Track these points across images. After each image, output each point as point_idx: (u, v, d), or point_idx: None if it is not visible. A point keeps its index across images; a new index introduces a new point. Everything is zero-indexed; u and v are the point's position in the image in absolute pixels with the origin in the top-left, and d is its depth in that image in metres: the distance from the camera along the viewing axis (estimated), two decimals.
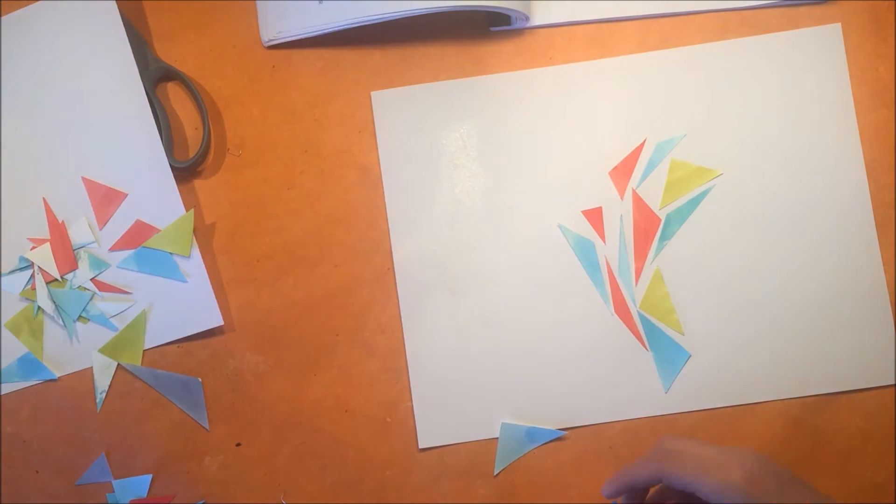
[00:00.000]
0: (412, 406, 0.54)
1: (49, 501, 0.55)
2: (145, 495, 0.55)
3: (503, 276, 0.55)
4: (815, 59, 0.55)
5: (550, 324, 0.54)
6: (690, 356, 0.54)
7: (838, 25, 0.55)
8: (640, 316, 0.54)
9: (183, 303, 0.55)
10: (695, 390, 0.54)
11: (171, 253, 0.55)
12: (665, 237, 0.55)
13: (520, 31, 0.56)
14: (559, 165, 0.55)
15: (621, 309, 0.54)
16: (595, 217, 0.55)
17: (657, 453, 0.45)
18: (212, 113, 0.56)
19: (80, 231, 0.55)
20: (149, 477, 0.55)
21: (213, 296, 0.54)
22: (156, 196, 0.55)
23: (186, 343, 0.55)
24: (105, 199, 0.55)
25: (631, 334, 0.54)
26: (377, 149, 0.56)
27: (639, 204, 0.55)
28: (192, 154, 0.56)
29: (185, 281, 0.55)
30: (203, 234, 0.56)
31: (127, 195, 0.55)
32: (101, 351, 0.55)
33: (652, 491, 0.48)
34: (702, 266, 0.54)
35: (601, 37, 0.56)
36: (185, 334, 0.55)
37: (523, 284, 0.55)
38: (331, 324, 0.55)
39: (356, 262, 0.55)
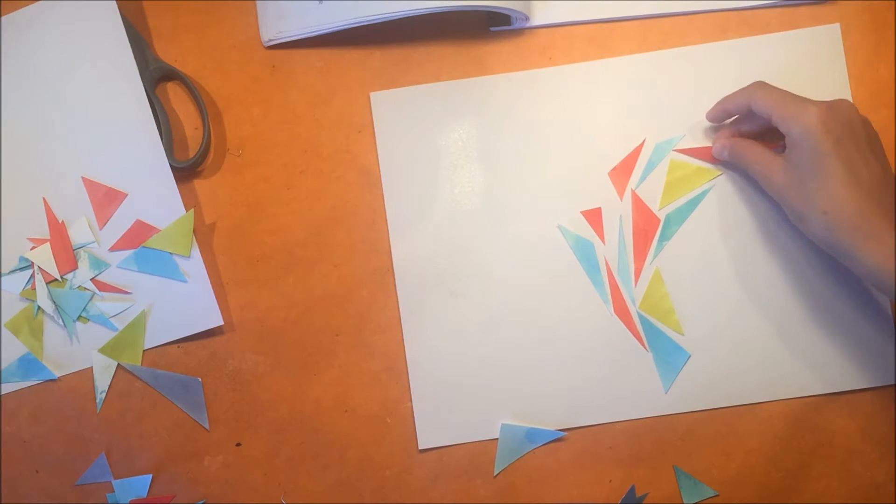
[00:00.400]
0: (412, 406, 0.54)
1: (49, 501, 0.55)
2: (145, 495, 0.55)
3: (503, 277, 0.55)
4: (815, 59, 0.55)
5: (550, 324, 0.54)
6: (690, 356, 0.54)
7: (837, 25, 0.55)
8: (640, 316, 0.54)
9: (183, 303, 0.55)
10: (695, 390, 0.54)
11: (171, 253, 0.55)
12: (664, 237, 0.55)
13: (520, 31, 0.56)
14: (559, 166, 0.55)
15: (621, 309, 0.54)
16: (594, 217, 0.55)
17: (751, 84, 0.50)
18: (212, 113, 0.56)
19: (80, 231, 0.55)
20: (149, 477, 0.55)
21: (213, 296, 0.54)
22: (156, 196, 0.55)
23: (186, 343, 0.55)
24: (105, 199, 0.55)
25: (631, 335, 0.54)
26: (377, 149, 0.56)
27: (638, 204, 0.55)
28: (192, 154, 0.56)
29: (185, 281, 0.55)
30: (203, 234, 0.56)
31: (127, 195, 0.55)
32: (101, 351, 0.55)
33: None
34: (702, 266, 0.54)
35: (601, 37, 0.56)
36: (185, 334, 0.55)
37: (523, 285, 0.55)
38: (331, 324, 0.55)
39: (356, 262, 0.55)
